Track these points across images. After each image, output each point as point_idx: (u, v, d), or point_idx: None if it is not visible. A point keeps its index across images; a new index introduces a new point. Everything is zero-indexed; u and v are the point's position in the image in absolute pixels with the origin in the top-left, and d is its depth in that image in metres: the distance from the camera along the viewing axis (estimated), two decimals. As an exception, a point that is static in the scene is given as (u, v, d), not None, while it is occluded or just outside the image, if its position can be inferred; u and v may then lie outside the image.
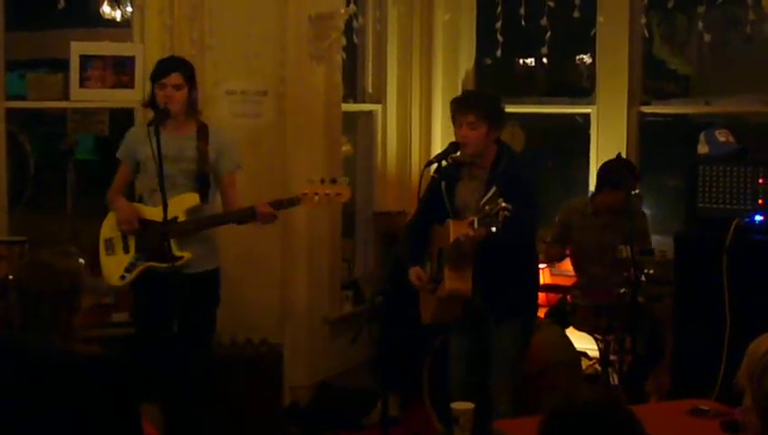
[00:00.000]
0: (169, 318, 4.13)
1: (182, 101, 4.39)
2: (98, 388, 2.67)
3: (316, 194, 4.39)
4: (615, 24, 6.13)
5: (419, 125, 6.67)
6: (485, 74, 6.80)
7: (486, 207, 3.80)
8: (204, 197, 4.43)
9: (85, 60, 5.11)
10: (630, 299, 4.74)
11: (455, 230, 4.06)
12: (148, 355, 4.37)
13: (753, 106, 6.16)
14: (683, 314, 4.83)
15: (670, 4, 5.48)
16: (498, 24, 5.81)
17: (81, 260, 2.91)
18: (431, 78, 6.69)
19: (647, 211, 5.60)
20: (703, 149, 5.08)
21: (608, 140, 6.21)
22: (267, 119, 5.44)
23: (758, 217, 4.66)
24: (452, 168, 4.35)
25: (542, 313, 5.33)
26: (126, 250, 4.43)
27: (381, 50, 6.51)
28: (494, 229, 3.77)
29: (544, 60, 6.44)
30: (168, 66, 4.43)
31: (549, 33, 5.71)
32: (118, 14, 7.14)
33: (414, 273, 4.36)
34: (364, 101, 6.54)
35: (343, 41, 5.73)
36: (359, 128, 6.57)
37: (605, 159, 5.56)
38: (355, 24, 5.87)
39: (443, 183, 4.31)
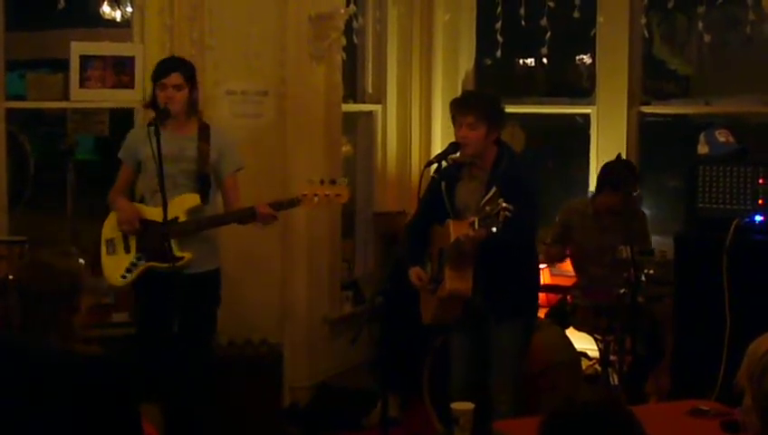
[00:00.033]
0: (170, 318, 4.13)
1: (182, 101, 4.39)
2: (98, 388, 2.67)
3: (315, 195, 4.39)
4: (615, 24, 6.13)
5: (419, 125, 6.67)
6: (485, 75, 6.80)
7: (487, 208, 3.80)
8: (204, 197, 4.43)
9: (85, 60, 5.11)
10: (630, 299, 4.74)
11: (455, 230, 4.06)
12: (148, 355, 4.37)
13: (752, 106, 6.16)
14: (683, 315, 4.83)
15: (670, 5, 5.48)
16: (498, 25, 5.81)
17: (81, 260, 2.91)
18: (431, 78, 6.69)
19: (647, 211, 5.61)
20: (703, 149, 5.08)
21: (608, 141, 6.21)
22: (267, 119, 5.44)
23: (758, 218, 4.66)
24: (452, 168, 4.35)
25: (542, 313, 5.32)
26: (127, 250, 4.43)
27: (381, 50, 6.51)
28: (494, 230, 3.77)
29: (544, 60, 6.44)
30: (168, 66, 4.43)
31: (549, 34, 5.71)
32: (118, 15, 7.15)
33: (414, 273, 4.36)
34: (364, 102, 6.54)
35: (343, 41, 5.73)
36: (359, 128, 6.57)
37: (605, 160, 5.56)
38: (355, 24, 5.87)
39: (443, 183, 4.31)
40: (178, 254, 4.31)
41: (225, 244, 4.66)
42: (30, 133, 8.25)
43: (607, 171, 5.32)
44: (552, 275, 6.22)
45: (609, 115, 6.28)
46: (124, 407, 2.74)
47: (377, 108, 6.53)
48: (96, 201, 4.75)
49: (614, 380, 5.03)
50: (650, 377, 5.30)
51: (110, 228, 4.48)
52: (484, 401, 4.09)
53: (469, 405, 3.40)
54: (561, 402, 1.99)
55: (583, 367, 5.21)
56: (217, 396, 4.63)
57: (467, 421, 3.36)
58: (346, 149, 6.38)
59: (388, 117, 6.55)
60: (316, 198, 4.39)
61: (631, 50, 6.20)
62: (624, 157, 5.77)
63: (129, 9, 5.70)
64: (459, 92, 5.93)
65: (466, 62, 6.72)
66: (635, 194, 5.30)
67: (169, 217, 4.21)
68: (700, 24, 5.47)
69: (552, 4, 5.70)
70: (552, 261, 5.77)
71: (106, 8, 7.26)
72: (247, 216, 4.40)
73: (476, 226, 3.85)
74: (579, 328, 5.32)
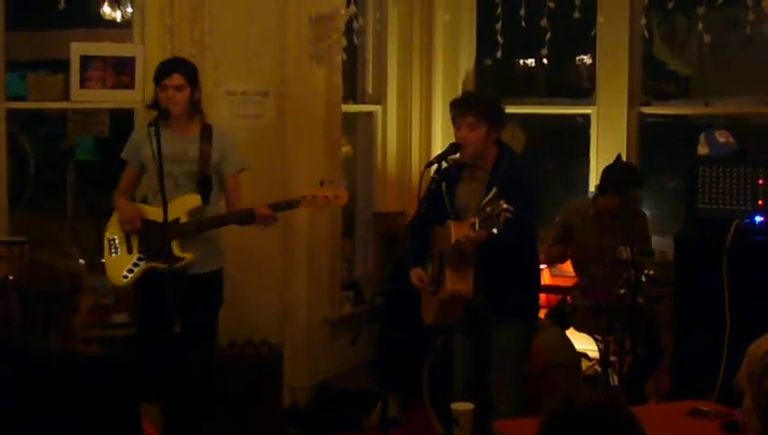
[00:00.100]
0: (170, 318, 4.13)
1: (184, 102, 4.39)
2: (98, 388, 2.67)
3: (315, 196, 4.39)
4: (615, 24, 6.14)
5: (419, 126, 6.67)
6: (486, 75, 6.80)
7: (488, 209, 3.79)
8: (206, 198, 4.43)
9: (85, 60, 5.11)
10: (630, 300, 4.74)
11: (456, 232, 4.06)
12: (148, 355, 4.37)
13: (752, 107, 6.17)
14: (683, 315, 4.83)
15: (670, 5, 5.48)
16: (498, 25, 5.81)
17: (81, 261, 2.91)
18: (431, 79, 6.69)
19: (647, 212, 5.61)
20: (703, 149, 5.08)
21: (608, 141, 6.21)
22: (267, 119, 5.44)
23: (758, 218, 4.66)
24: (452, 169, 4.34)
25: (542, 313, 5.32)
26: (129, 250, 4.43)
27: (381, 51, 6.52)
28: (495, 231, 3.77)
29: (544, 60, 6.45)
30: (169, 67, 4.43)
31: (549, 34, 5.71)
32: (118, 15, 7.14)
33: (415, 274, 4.36)
34: (364, 102, 6.54)
35: (343, 42, 5.73)
36: (359, 128, 6.58)
37: (605, 160, 5.56)
38: (355, 24, 5.87)
39: (443, 184, 4.30)
40: (179, 254, 4.31)
41: (225, 244, 4.66)
42: (30, 134, 8.23)
43: (610, 174, 5.30)
44: (553, 275, 6.22)
45: (610, 116, 6.29)
46: (124, 407, 2.74)
47: (377, 108, 6.54)
48: (96, 202, 4.75)
49: (614, 380, 5.03)
50: (650, 378, 5.30)
51: (113, 228, 4.48)
52: (486, 401, 4.09)
53: (469, 405, 3.40)
54: (560, 403, 1.99)
55: (583, 368, 5.21)
56: (217, 396, 4.63)
57: (467, 422, 3.36)
58: (346, 149, 6.38)
59: (388, 117, 6.55)
60: (315, 200, 4.39)
61: (631, 50, 6.21)
62: (624, 157, 5.77)
63: (130, 9, 5.69)
64: (459, 93, 5.93)
65: (467, 62, 6.72)
66: (635, 194, 5.30)
67: (171, 217, 4.21)
68: (700, 25, 5.47)
69: (552, 4, 5.70)
70: (553, 262, 5.77)
71: (106, 9, 7.25)
72: (247, 217, 4.40)
73: (477, 227, 3.84)
74: (579, 329, 5.32)
